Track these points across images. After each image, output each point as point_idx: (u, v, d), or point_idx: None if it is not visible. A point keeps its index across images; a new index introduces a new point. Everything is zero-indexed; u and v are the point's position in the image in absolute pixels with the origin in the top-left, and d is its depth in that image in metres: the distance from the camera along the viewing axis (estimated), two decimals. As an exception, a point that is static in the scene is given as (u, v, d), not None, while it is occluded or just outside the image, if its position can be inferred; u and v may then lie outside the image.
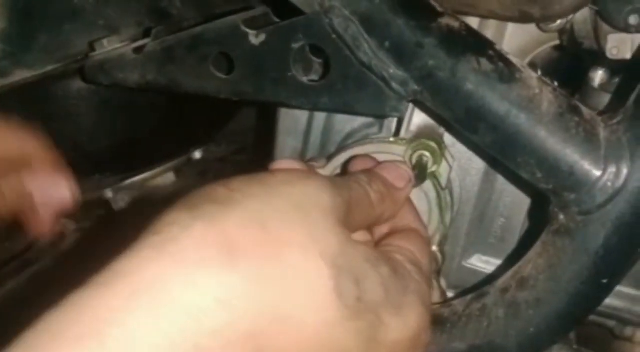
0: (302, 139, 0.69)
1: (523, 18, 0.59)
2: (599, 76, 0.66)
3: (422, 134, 0.62)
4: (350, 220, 0.45)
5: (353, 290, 0.41)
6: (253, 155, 1.07)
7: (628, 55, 0.62)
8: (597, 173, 0.49)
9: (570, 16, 0.63)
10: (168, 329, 0.36)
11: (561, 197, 0.50)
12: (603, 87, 0.66)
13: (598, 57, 0.65)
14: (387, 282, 0.44)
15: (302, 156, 0.69)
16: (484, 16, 0.63)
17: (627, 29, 0.60)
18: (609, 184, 0.48)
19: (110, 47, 0.65)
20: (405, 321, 0.44)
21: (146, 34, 0.68)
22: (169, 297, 0.36)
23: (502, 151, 0.51)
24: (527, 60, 0.69)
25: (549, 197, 0.52)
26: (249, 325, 0.38)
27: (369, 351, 0.42)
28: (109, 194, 0.90)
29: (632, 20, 0.59)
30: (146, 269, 0.37)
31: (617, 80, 0.66)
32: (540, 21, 0.61)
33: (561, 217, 0.51)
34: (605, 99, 0.64)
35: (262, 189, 0.43)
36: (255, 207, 0.41)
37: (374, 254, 0.45)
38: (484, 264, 0.69)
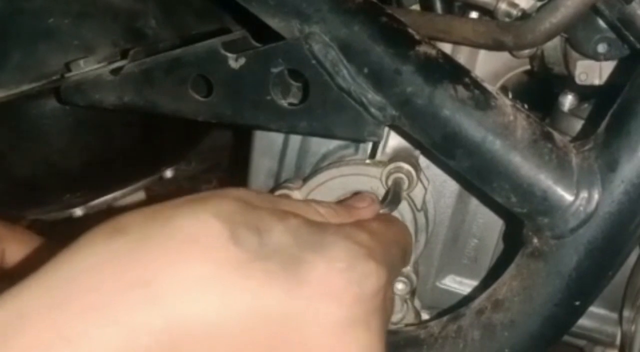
0: (277, 160, 0.69)
1: (496, 46, 0.60)
2: (568, 101, 0.68)
3: (397, 157, 0.63)
4: (277, 205, 0.46)
5: (253, 237, 0.41)
6: (225, 174, 1.07)
7: (596, 81, 0.64)
8: (570, 198, 0.50)
9: (542, 44, 0.65)
10: None
11: (535, 221, 0.51)
12: (573, 111, 0.68)
13: (567, 82, 0.67)
14: (296, 229, 0.43)
15: (277, 177, 0.70)
16: (457, 42, 0.65)
17: (595, 56, 0.62)
18: (581, 208, 0.50)
19: (87, 67, 0.64)
20: (328, 254, 0.43)
21: (123, 55, 0.68)
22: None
23: (478, 176, 0.53)
24: (499, 84, 0.71)
25: (523, 221, 0.53)
26: (136, 277, 0.38)
27: (294, 288, 0.41)
28: (78, 212, 0.89)
29: (601, 48, 0.61)
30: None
31: (586, 105, 0.68)
32: (513, 49, 0.63)
33: (535, 240, 0.52)
34: (575, 123, 0.66)
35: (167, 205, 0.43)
36: (152, 206, 0.42)
37: (282, 211, 0.45)
38: (457, 284, 0.70)
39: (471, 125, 0.51)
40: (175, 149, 0.91)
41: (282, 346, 0.41)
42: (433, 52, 0.53)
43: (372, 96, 0.53)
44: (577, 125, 0.65)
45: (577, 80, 0.65)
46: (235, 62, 0.56)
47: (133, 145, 0.81)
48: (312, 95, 0.55)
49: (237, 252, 0.40)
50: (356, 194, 0.59)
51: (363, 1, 0.55)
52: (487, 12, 0.66)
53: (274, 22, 0.55)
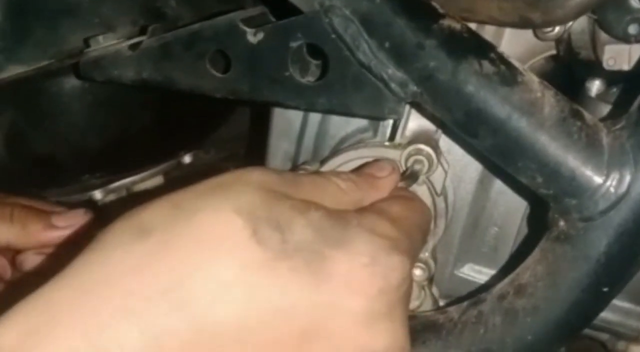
0: (295, 143, 0.68)
1: (523, 23, 0.58)
2: (595, 86, 0.66)
3: (417, 140, 0.62)
4: (298, 197, 0.45)
5: (275, 235, 0.41)
6: (243, 163, 1.06)
7: (625, 67, 0.62)
8: (600, 179, 0.48)
9: (569, 25, 0.63)
10: None
11: (562, 203, 0.49)
12: (600, 97, 0.66)
13: (595, 68, 0.64)
14: (318, 224, 0.43)
15: (294, 160, 0.68)
16: (483, 22, 0.62)
17: (626, 38, 0.60)
18: (612, 190, 0.48)
19: (106, 43, 0.64)
20: (351, 249, 0.43)
21: (142, 31, 0.67)
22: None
23: (502, 155, 0.51)
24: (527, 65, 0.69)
25: (549, 203, 0.51)
26: (163, 282, 0.39)
27: (319, 283, 0.41)
28: (97, 195, 0.89)
29: (632, 29, 0.59)
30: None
31: (614, 90, 0.66)
32: (541, 26, 0.61)
33: (561, 223, 0.50)
34: (603, 108, 0.64)
35: (191, 190, 0.44)
36: (172, 195, 0.43)
37: (304, 204, 0.44)
38: (476, 273, 0.68)
39: (496, 102, 0.49)
40: (193, 133, 0.91)
41: (310, 341, 0.41)
42: (457, 26, 0.51)
43: (393, 72, 0.52)
44: (605, 110, 0.63)
45: (605, 66, 0.62)
46: (253, 36, 0.55)
47: (152, 127, 0.81)
48: (332, 70, 0.54)
49: (261, 251, 0.40)
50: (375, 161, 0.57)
51: (384, -27, 0.53)
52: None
53: (293, -6, 0.54)
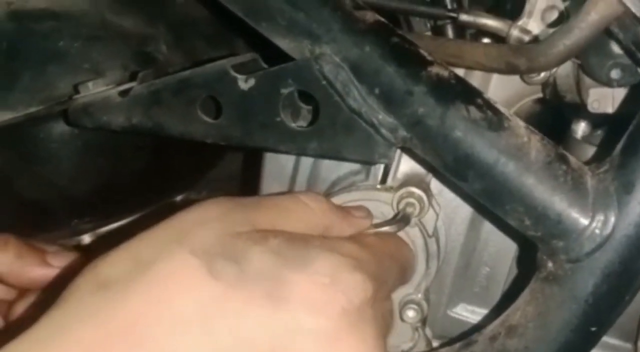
0: (287, 186, 0.68)
1: (509, 70, 0.60)
2: (581, 128, 0.67)
3: (409, 182, 0.63)
4: (261, 222, 0.45)
5: (231, 267, 0.41)
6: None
7: (609, 110, 0.64)
8: (585, 221, 0.49)
9: (554, 70, 0.65)
10: None
11: (549, 245, 0.50)
12: (586, 139, 0.67)
13: (580, 110, 0.66)
14: (277, 248, 0.43)
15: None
16: (470, 67, 0.64)
17: (609, 82, 0.61)
18: (597, 232, 0.49)
19: (95, 90, 0.64)
20: (310, 269, 0.43)
21: (132, 77, 0.68)
22: None
23: (491, 199, 0.52)
24: (511, 112, 0.70)
25: (537, 245, 0.52)
26: (119, 325, 0.39)
27: (278, 307, 0.41)
28: (86, 239, 0.89)
29: (614, 74, 0.61)
30: None
31: (598, 132, 0.67)
32: (526, 73, 0.62)
33: (549, 264, 0.51)
34: (589, 150, 0.65)
35: (149, 236, 0.44)
36: (130, 244, 0.43)
37: (261, 234, 0.44)
38: (469, 313, 0.69)
39: (484, 147, 0.51)
40: (185, 175, 0.91)
41: None
42: (445, 73, 0.53)
43: (383, 117, 0.53)
44: (591, 151, 0.65)
45: (590, 109, 0.64)
46: (245, 83, 0.56)
47: (142, 171, 0.81)
48: (323, 116, 0.55)
49: (217, 285, 0.41)
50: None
51: (374, 21, 0.54)
52: (499, 39, 0.66)
53: (284, 43, 0.55)
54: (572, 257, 0.49)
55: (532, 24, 0.65)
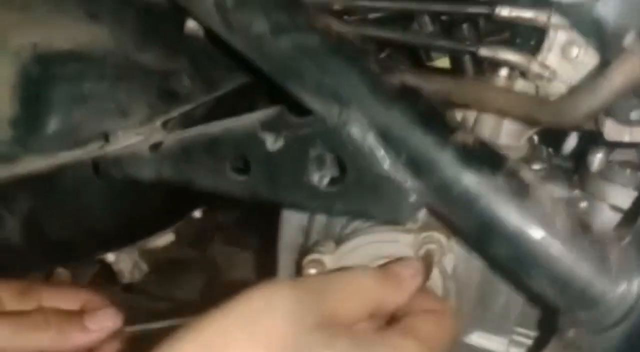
0: (307, 215, 0.70)
1: (529, 121, 0.60)
2: (597, 160, 0.67)
3: (429, 224, 0.64)
4: (324, 308, 0.47)
5: None
6: (253, 224, 1.07)
7: (626, 138, 0.63)
8: (609, 293, 0.50)
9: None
10: None
11: (572, 314, 0.51)
12: (602, 173, 0.67)
13: (596, 137, 0.66)
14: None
15: (307, 232, 0.70)
16: (491, 112, 0.65)
17: (627, 123, 0.61)
18: (620, 303, 0.50)
19: (126, 140, 0.65)
20: None
21: (153, 115, 0.68)
22: None
23: (514, 266, 0.53)
24: (527, 136, 0.71)
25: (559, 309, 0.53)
26: None
27: None
28: (110, 257, 0.91)
29: (634, 115, 0.60)
30: None
31: (616, 166, 0.67)
32: (546, 126, 0.63)
33: (571, 333, 0.52)
34: (605, 187, 0.65)
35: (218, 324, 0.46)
36: (200, 331, 0.45)
37: (329, 334, 0.46)
38: (485, 340, 0.70)
39: (509, 215, 0.51)
40: (205, 196, 0.92)
41: None
42: (470, 139, 0.53)
43: (410, 182, 0.54)
44: (606, 188, 0.65)
45: (606, 137, 0.64)
46: (274, 143, 0.57)
47: (165, 201, 0.82)
48: (349, 178, 0.55)
49: None
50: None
51: (400, 85, 0.55)
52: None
53: (311, 102, 0.56)
54: (595, 328, 0.50)
55: (552, 58, 0.65)
